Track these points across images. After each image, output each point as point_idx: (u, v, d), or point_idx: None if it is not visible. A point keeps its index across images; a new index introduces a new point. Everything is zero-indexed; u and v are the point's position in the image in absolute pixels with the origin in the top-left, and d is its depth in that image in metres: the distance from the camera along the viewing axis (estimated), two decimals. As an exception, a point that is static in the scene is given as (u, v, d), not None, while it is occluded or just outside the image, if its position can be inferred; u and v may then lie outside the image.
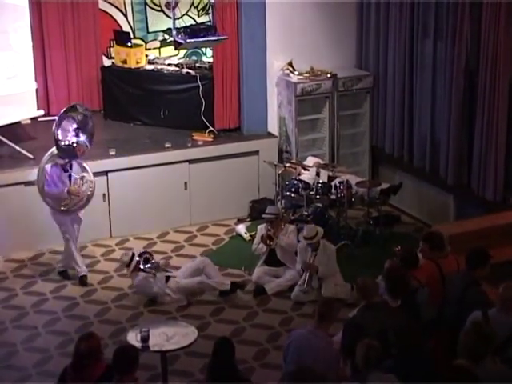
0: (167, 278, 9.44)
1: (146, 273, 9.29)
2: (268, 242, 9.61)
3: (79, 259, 9.82)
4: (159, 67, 12.22)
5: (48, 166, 9.62)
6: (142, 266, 9.29)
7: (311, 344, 6.59)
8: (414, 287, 7.36)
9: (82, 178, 9.70)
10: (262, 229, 9.78)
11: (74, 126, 9.71)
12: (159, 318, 8.97)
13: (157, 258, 10.26)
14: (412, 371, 6.14)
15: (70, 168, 9.65)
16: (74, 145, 9.66)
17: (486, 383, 5.80)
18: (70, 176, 9.65)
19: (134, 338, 7.41)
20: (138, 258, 9.31)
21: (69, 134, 9.65)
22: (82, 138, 9.71)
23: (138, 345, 7.28)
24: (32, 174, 10.30)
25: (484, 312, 6.70)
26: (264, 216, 9.80)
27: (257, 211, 11.25)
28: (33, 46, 11.28)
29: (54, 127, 9.56)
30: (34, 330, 8.88)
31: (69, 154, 9.64)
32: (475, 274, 7.21)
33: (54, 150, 9.67)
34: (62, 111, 9.69)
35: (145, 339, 7.34)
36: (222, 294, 9.35)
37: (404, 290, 7.15)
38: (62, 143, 9.58)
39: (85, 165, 9.81)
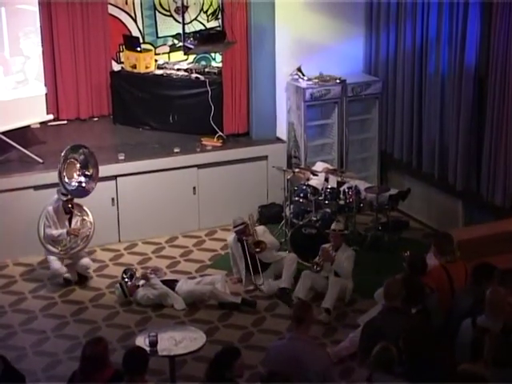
0: (168, 282, 9.52)
1: (142, 286, 9.45)
2: (258, 249, 9.67)
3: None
4: (168, 72, 12.24)
5: (50, 208, 9.78)
6: (135, 283, 9.45)
7: (299, 350, 6.46)
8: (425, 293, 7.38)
9: (83, 220, 9.86)
10: (231, 242, 9.86)
11: (78, 166, 9.86)
12: (167, 322, 8.98)
13: (162, 263, 10.35)
14: (422, 378, 6.15)
15: (72, 209, 9.77)
16: (83, 184, 9.83)
17: None
18: (70, 218, 9.80)
19: (142, 342, 7.42)
20: (126, 279, 9.46)
21: (75, 175, 9.82)
22: (88, 172, 9.89)
23: (147, 349, 7.23)
24: (41, 178, 10.38)
25: (473, 319, 6.70)
26: (235, 230, 9.83)
27: (265, 216, 11.28)
28: (43, 51, 11.32)
29: (58, 172, 9.67)
30: (43, 333, 8.90)
31: (80, 193, 9.82)
32: (482, 288, 7.18)
33: (57, 193, 9.85)
34: (63, 154, 9.78)
35: (153, 344, 7.35)
36: (224, 305, 9.33)
37: (421, 297, 7.17)
38: (71, 185, 9.74)
39: (85, 208, 9.93)
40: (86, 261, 9.97)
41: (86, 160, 9.93)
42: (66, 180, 9.73)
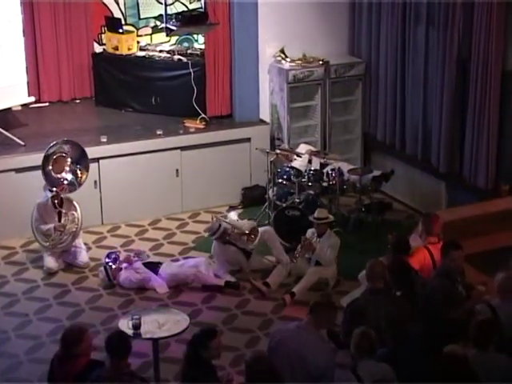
0: (151, 264, 9.50)
1: (125, 268, 9.41)
2: (252, 236, 9.58)
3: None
4: (151, 54, 12.15)
5: (40, 203, 9.75)
6: (119, 266, 9.40)
7: (302, 341, 6.40)
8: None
9: (72, 215, 9.80)
10: (219, 250, 9.64)
11: (68, 160, 9.85)
12: (151, 305, 8.94)
13: (145, 245, 10.31)
14: (404, 359, 6.16)
15: (60, 205, 9.73)
16: (65, 182, 9.80)
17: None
18: (59, 213, 9.76)
19: (125, 325, 7.39)
20: (110, 263, 9.41)
21: (65, 169, 9.82)
22: (80, 174, 9.88)
23: (130, 332, 7.25)
24: (23, 160, 10.31)
25: (489, 304, 6.72)
26: (216, 237, 9.56)
27: (249, 198, 11.25)
28: (24, 33, 11.20)
29: (43, 159, 9.67)
30: (26, 316, 8.85)
31: (53, 183, 9.73)
32: (444, 264, 7.26)
33: (43, 189, 9.82)
34: (45, 153, 9.77)
35: (136, 326, 7.32)
36: (207, 287, 9.31)
37: (407, 280, 7.18)
38: (54, 174, 9.73)
39: (75, 203, 9.88)
40: (84, 258, 9.88)
41: (77, 153, 9.88)
42: (53, 174, 9.74)
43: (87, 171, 9.98)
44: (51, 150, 9.78)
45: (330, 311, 6.53)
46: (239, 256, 9.65)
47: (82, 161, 9.95)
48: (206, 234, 10.19)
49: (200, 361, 6.26)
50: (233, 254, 9.63)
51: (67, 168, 9.84)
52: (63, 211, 9.77)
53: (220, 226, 9.56)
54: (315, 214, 9.38)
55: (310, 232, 9.42)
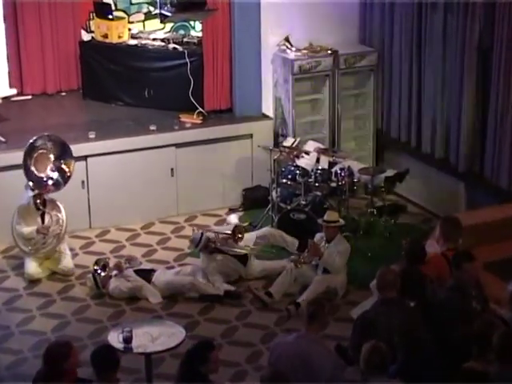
0: (144, 272, 9.51)
1: (115, 276, 9.41)
2: (240, 235, 9.62)
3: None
4: (143, 42, 12.19)
5: (21, 205, 9.77)
6: (109, 274, 9.40)
7: (305, 349, 6.51)
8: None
9: (55, 216, 9.81)
10: (208, 260, 9.63)
11: (51, 157, 9.83)
12: (143, 316, 8.95)
13: (137, 251, 10.31)
14: (418, 374, 6.18)
15: (44, 206, 9.74)
16: (50, 181, 9.81)
17: None
18: (42, 214, 9.76)
19: (115, 338, 7.41)
20: (99, 270, 9.39)
21: (48, 167, 9.81)
22: (66, 168, 9.87)
23: (121, 346, 7.28)
24: (4, 158, 10.32)
25: (503, 319, 6.72)
26: (201, 248, 9.61)
27: (250, 200, 11.25)
28: (4, 19, 11.22)
29: (24, 158, 9.67)
30: (7, 329, 8.85)
31: (37, 186, 9.74)
32: (455, 277, 7.28)
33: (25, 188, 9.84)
34: (25, 150, 9.75)
35: (127, 340, 7.33)
36: (205, 297, 9.31)
37: (419, 290, 7.17)
38: (36, 174, 9.73)
39: (58, 203, 9.89)
40: (68, 263, 9.88)
41: (59, 148, 9.86)
42: (35, 170, 9.73)
43: (73, 160, 9.94)
44: (37, 144, 9.75)
45: (324, 310, 6.74)
46: (232, 263, 9.66)
47: (65, 154, 9.92)
48: (189, 250, 10.24)
49: (197, 376, 6.27)
50: (224, 262, 9.63)
51: (51, 165, 9.83)
52: (46, 211, 9.77)
53: (202, 234, 9.60)
54: (324, 217, 9.38)
55: (318, 236, 9.43)
